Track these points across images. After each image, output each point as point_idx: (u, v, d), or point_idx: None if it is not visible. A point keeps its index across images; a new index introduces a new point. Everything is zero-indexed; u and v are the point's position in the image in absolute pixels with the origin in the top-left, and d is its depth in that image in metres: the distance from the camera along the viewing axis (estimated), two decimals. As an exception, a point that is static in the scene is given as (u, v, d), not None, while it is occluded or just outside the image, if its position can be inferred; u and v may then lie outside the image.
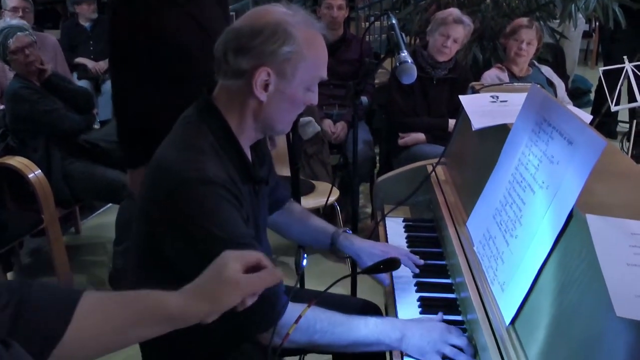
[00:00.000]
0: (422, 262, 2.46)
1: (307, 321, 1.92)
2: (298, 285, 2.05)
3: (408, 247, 2.72)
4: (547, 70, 5.41)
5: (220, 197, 1.90)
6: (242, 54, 1.95)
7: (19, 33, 4.58)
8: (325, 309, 1.96)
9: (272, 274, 1.53)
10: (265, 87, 1.97)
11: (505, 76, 5.12)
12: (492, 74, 5.15)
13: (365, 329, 2.03)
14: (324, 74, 2.07)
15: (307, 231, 2.60)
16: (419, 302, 2.31)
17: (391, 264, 1.74)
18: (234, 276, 1.49)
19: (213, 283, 1.50)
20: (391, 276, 2.46)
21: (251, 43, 1.94)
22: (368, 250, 2.45)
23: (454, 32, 4.88)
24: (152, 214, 1.99)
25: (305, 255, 1.89)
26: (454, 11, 5.00)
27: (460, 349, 2.00)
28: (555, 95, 5.14)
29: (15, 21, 4.84)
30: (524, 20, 5.21)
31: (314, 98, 2.09)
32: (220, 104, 2.05)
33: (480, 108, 2.69)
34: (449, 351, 1.98)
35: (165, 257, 1.97)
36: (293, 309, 1.92)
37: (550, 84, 5.29)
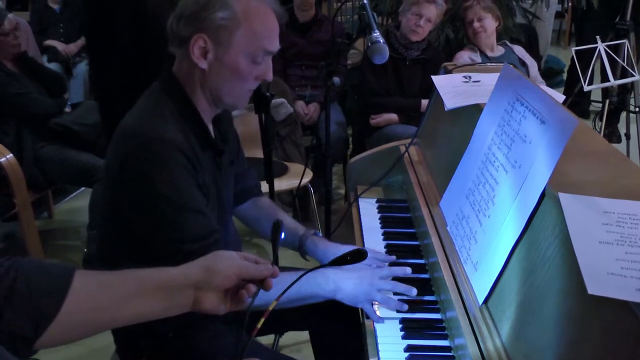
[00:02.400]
0: (393, 257, 2.41)
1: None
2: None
3: (381, 227, 2.72)
4: (519, 50, 5.42)
5: (175, 159, 1.94)
6: (183, 21, 2.01)
7: (9, 15, 4.56)
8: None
9: (267, 267, 1.54)
10: (205, 54, 2.01)
11: (477, 56, 5.12)
12: (464, 55, 5.16)
13: (298, 285, 2.05)
14: (269, 46, 2.07)
15: None
16: (392, 283, 2.31)
17: (358, 255, 1.74)
18: (232, 254, 1.54)
19: (210, 257, 1.53)
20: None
21: (189, 10, 2.00)
22: (332, 253, 2.37)
23: (426, 12, 4.86)
24: (112, 176, 2.03)
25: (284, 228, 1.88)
26: (426, -10, 4.98)
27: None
28: (528, 75, 5.15)
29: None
30: (468, 2, 5.24)
31: (266, 73, 2.11)
32: (179, 76, 2.10)
33: (453, 88, 2.69)
34: (379, 298, 2.11)
35: (122, 221, 2.03)
36: None
37: (523, 63, 5.30)
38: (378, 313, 2.11)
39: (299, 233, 2.50)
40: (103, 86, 3.25)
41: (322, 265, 1.72)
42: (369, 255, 2.37)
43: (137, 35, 3.06)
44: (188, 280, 1.47)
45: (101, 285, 1.41)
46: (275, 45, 2.09)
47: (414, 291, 2.12)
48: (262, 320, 1.45)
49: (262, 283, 1.53)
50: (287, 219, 2.58)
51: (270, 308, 1.45)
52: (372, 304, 2.12)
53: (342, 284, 2.11)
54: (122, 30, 3.06)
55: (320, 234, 2.55)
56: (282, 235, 1.73)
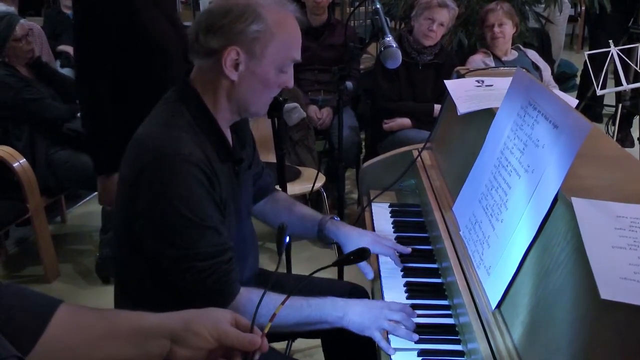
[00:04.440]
0: (408, 250, 2.45)
1: (252, 306, 1.93)
2: (279, 269, 2.04)
3: (394, 232, 2.72)
4: (532, 54, 5.40)
5: (192, 175, 1.91)
6: (212, 33, 1.97)
7: (21, 21, 4.58)
8: (271, 292, 1.83)
9: (252, 340, 1.48)
10: (236, 66, 1.98)
11: (490, 60, 5.11)
12: (477, 59, 5.15)
13: (307, 309, 2.06)
14: (296, 55, 2.07)
15: (293, 219, 2.56)
16: (405, 287, 2.31)
17: (361, 254, 1.75)
18: (222, 316, 1.49)
19: (196, 314, 1.49)
20: (377, 262, 2.46)
21: (220, 22, 1.96)
22: (356, 238, 2.43)
23: (438, 16, 4.86)
24: (126, 187, 2.00)
25: (288, 233, 1.87)
26: (438, -5, 4.98)
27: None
28: (541, 79, 5.14)
29: (4, 7, 4.81)
30: (490, 5, 5.23)
31: (288, 80, 2.10)
32: (197, 85, 2.07)
33: (466, 93, 2.69)
34: (387, 325, 2.03)
35: (135, 235, 1.99)
36: (252, 297, 2.01)
37: (536, 67, 5.28)
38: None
39: (317, 218, 2.52)
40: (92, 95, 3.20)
41: (327, 267, 1.70)
42: (388, 244, 2.40)
43: (128, 46, 3.06)
44: (164, 331, 1.44)
45: (79, 323, 1.39)
46: (299, 54, 2.09)
47: (415, 337, 2.03)
48: (269, 324, 1.45)
49: (246, 354, 1.48)
50: (304, 208, 2.61)
51: (270, 322, 1.45)
52: (381, 332, 2.05)
53: (350, 310, 2.08)
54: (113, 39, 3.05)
55: (338, 219, 2.56)
56: (287, 239, 1.73)
